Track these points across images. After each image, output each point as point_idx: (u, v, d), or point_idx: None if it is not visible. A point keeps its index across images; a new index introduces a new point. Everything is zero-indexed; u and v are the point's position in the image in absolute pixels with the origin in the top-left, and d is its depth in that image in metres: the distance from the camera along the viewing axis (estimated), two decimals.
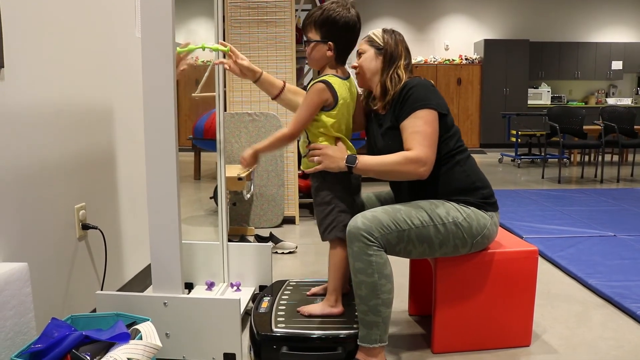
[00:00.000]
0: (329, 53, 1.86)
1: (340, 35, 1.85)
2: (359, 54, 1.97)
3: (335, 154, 1.82)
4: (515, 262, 1.96)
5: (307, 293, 2.12)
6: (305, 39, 1.93)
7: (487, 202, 1.89)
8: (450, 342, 1.96)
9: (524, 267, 1.96)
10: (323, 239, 1.94)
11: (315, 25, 1.87)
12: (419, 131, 1.78)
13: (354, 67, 1.98)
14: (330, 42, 1.85)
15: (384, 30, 1.95)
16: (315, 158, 1.84)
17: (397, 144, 1.83)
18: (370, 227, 1.73)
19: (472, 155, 1.96)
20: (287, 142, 1.90)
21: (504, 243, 2.02)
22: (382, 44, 1.91)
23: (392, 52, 1.90)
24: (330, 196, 1.89)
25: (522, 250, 1.97)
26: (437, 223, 1.80)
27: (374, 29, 1.98)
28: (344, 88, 1.88)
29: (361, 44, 1.97)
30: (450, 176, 1.85)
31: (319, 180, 1.92)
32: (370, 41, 1.94)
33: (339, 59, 1.90)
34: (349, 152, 1.85)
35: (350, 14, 1.84)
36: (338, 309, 1.93)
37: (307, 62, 1.97)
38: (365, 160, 1.81)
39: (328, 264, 1.95)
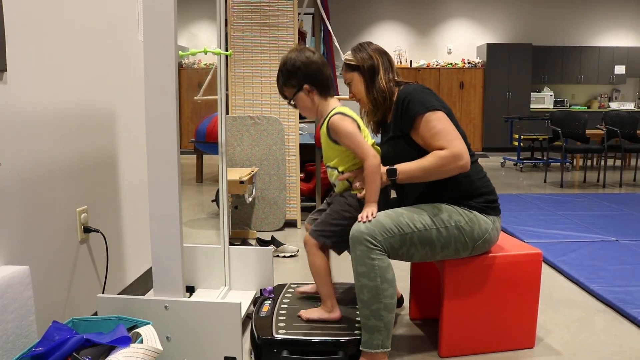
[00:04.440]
0: (312, 94, 1.89)
1: (309, 74, 1.87)
2: (348, 84, 1.99)
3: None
4: (520, 265, 1.96)
5: (298, 290, 2.14)
6: (288, 100, 1.94)
7: (489, 207, 1.89)
8: (457, 346, 1.96)
9: (528, 269, 1.97)
10: (311, 235, 1.93)
11: (285, 82, 1.91)
12: (439, 130, 1.79)
13: (352, 98, 2.01)
14: (305, 85, 1.88)
15: (354, 50, 1.98)
16: (357, 184, 1.87)
17: (397, 153, 1.87)
18: (374, 231, 1.73)
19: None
20: (377, 169, 1.81)
21: (508, 246, 2.03)
22: (357, 63, 1.94)
23: (369, 67, 1.93)
24: (351, 216, 1.87)
25: (527, 254, 1.98)
26: (439, 226, 1.80)
27: (345, 55, 2.01)
28: (352, 112, 1.91)
29: (344, 75, 2.00)
30: (455, 182, 1.84)
31: (353, 198, 1.91)
32: (349, 67, 1.97)
33: (325, 93, 1.91)
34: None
35: (305, 54, 1.88)
36: (336, 314, 1.93)
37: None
38: (404, 169, 1.81)
39: (312, 273, 1.96)
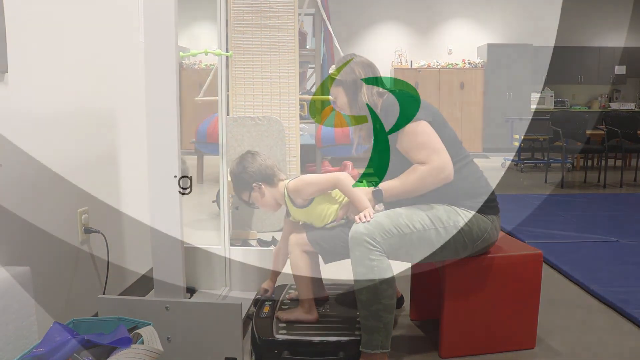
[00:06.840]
0: (263, 189, 1.98)
1: (252, 174, 1.97)
2: (333, 102, 2.00)
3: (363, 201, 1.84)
4: (521, 266, 1.96)
5: (287, 297, 2.14)
6: (248, 203, 2.04)
7: (487, 206, 1.88)
8: (457, 347, 1.96)
9: (529, 270, 1.97)
10: (309, 239, 1.94)
11: (238, 189, 2.02)
12: (418, 143, 1.79)
13: (340, 110, 2.02)
14: (253, 184, 1.97)
15: (338, 63, 1.97)
16: (353, 216, 1.87)
17: (391, 167, 1.88)
18: (373, 232, 1.73)
19: (474, 159, 1.95)
20: (346, 180, 1.88)
21: (509, 247, 2.03)
22: (340, 78, 1.94)
23: (352, 81, 1.92)
24: (344, 231, 1.89)
25: (527, 254, 1.98)
26: (438, 227, 1.80)
27: (330, 69, 2.00)
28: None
29: (330, 90, 2.00)
30: (452, 183, 1.83)
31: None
32: (332, 81, 1.96)
33: (272, 181, 1.98)
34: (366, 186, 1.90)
35: (243, 162, 2.00)
36: (313, 316, 1.94)
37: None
38: (388, 188, 1.83)
39: (292, 272, 1.98)
